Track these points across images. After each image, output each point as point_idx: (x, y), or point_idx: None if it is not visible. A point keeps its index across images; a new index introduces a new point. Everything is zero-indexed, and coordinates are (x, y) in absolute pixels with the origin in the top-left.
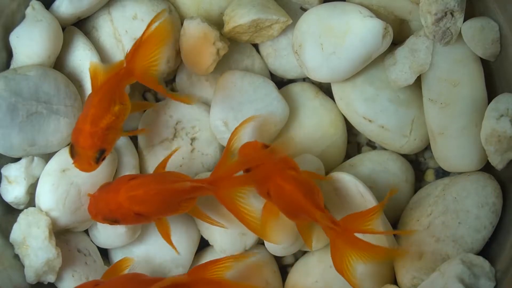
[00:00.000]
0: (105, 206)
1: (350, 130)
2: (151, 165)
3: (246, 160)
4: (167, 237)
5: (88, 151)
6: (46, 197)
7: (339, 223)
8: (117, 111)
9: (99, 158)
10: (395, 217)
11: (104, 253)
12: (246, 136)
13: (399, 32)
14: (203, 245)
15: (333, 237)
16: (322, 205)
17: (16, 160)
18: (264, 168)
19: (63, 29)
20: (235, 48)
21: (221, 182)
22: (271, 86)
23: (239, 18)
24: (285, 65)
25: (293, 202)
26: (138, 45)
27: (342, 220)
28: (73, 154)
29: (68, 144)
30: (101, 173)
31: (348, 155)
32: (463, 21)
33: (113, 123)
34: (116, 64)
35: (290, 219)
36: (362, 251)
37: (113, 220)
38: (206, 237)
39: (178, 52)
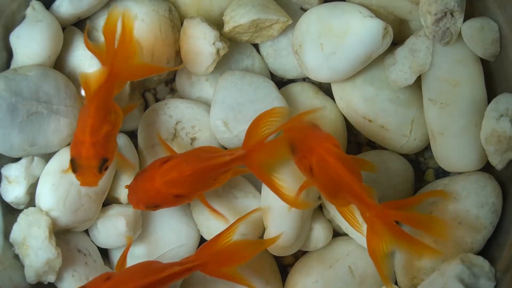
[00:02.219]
0: (144, 194)
1: (350, 130)
2: None
3: (277, 127)
4: (212, 211)
5: (92, 161)
6: (46, 197)
7: (379, 205)
8: (113, 120)
9: (102, 167)
10: None
11: (104, 253)
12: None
13: (399, 32)
14: None
15: (371, 218)
16: (362, 184)
17: (16, 160)
18: (309, 143)
19: (63, 29)
20: (235, 48)
21: (254, 151)
22: (271, 86)
23: (239, 18)
24: (285, 65)
25: (336, 178)
26: (110, 46)
27: (382, 204)
28: (75, 168)
29: (69, 144)
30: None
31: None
32: (463, 21)
33: (111, 131)
34: (102, 71)
35: (329, 198)
36: (396, 238)
37: (154, 206)
38: (206, 237)
39: (178, 52)
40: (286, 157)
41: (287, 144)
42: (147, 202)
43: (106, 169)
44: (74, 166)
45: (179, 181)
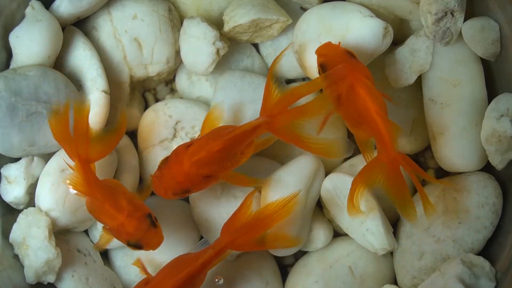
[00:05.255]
0: (172, 181)
1: None
2: (151, 165)
3: (296, 93)
4: (245, 183)
5: (140, 226)
6: (46, 197)
7: (395, 148)
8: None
9: (153, 221)
10: (395, 217)
11: (104, 253)
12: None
13: (400, 32)
14: None
15: (381, 155)
16: (389, 122)
17: (16, 160)
18: (342, 70)
19: (63, 29)
20: (235, 48)
21: (276, 117)
22: None
23: (239, 18)
24: (285, 65)
25: (363, 110)
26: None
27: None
28: (138, 246)
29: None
30: (100, 174)
31: None
32: (464, 21)
33: (130, 197)
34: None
35: (351, 128)
36: (392, 185)
37: (184, 192)
38: (206, 238)
39: (178, 52)
40: (314, 118)
41: (318, 66)
42: (176, 188)
43: (156, 219)
44: (135, 245)
45: (208, 160)
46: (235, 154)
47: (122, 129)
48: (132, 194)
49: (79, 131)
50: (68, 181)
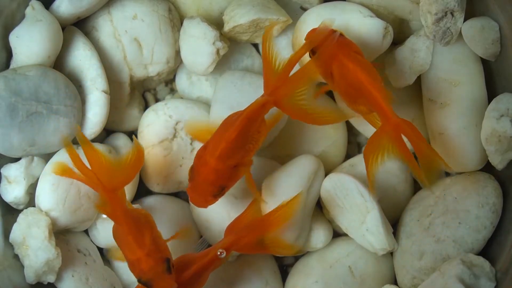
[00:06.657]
0: (206, 184)
1: (350, 130)
2: (151, 165)
3: (293, 61)
4: (251, 188)
5: (157, 268)
6: (46, 197)
7: (395, 114)
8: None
9: (169, 268)
10: (395, 217)
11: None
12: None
13: (400, 32)
14: None
15: (383, 125)
16: (383, 90)
17: (16, 160)
18: (330, 48)
19: (63, 29)
20: (235, 48)
21: (279, 90)
22: None
23: (239, 18)
24: None
25: (356, 83)
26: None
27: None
28: (148, 285)
29: None
30: None
31: (348, 155)
32: (464, 21)
33: (155, 235)
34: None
35: (348, 103)
36: (397, 151)
37: (222, 189)
38: (206, 237)
39: (178, 52)
40: (313, 83)
41: (308, 48)
42: (212, 190)
43: (173, 266)
44: (145, 284)
45: (230, 149)
46: (252, 135)
47: (141, 155)
48: (158, 233)
49: (93, 161)
50: (97, 205)
